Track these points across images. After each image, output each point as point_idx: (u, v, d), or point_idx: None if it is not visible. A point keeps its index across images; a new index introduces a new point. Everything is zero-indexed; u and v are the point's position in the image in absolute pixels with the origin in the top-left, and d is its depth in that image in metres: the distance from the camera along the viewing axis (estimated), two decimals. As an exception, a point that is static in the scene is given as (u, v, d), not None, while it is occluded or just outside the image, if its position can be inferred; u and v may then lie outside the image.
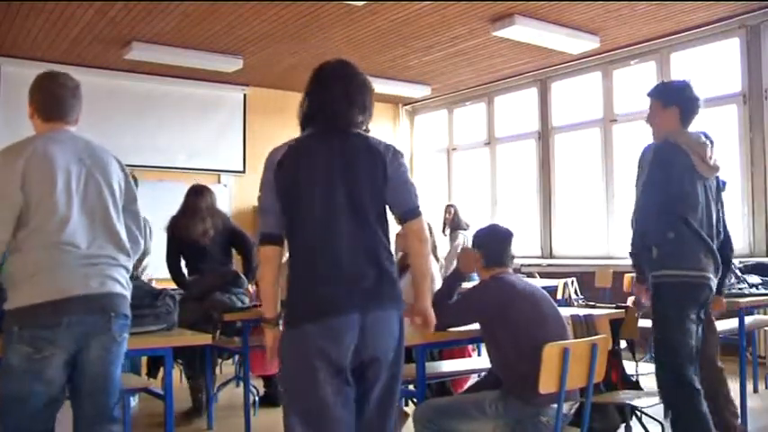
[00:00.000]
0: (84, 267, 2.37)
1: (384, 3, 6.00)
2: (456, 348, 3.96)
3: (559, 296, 6.25)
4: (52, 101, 2.53)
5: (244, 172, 8.88)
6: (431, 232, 4.52)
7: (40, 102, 2.54)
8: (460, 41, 7.21)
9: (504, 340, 2.81)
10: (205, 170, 8.68)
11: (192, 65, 7.56)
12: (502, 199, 9.10)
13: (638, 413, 3.46)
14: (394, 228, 2.45)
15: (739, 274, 4.14)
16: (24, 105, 2.57)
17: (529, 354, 2.60)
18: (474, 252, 3.08)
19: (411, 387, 3.26)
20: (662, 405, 3.67)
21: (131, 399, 4.29)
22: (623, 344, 3.76)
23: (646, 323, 3.95)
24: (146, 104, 8.32)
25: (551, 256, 8.36)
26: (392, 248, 2.43)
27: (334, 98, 2.37)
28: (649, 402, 3.25)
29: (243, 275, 4.80)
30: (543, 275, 7.57)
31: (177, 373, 5.09)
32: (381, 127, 9.58)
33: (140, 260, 4.26)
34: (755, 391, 5.01)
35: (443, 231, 8.10)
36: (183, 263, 4.89)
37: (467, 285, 3.43)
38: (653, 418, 3.72)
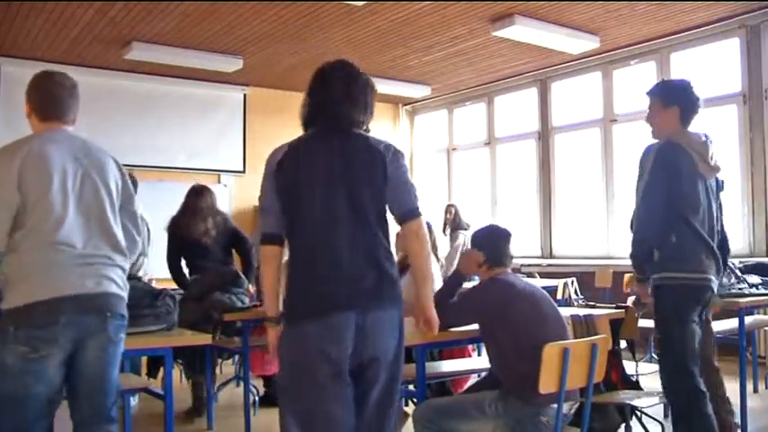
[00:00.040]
0: (79, 267, 2.36)
1: (384, 3, 6.00)
2: (456, 348, 3.96)
3: (559, 296, 6.25)
4: (49, 100, 2.52)
5: (244, 172, 8.88)
6: (431, 232, 4.53)
7: (37, 101, 2.53)
8: (460, 41, 7.21)
9: (503, 340, 2.81)
10: (205, 170, 8.68)
11: (192, 65, 7.56)
12: (502, 199, 9.10)
13: (638, 413, 3.46)
14: (395, 228, 2.44)
15: (739, 274, 4.14)
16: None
17: (529, 354, 2.60)
18: (477, 253, 3.07)
19: (411, 387, 3.26)
20: (662, 405, 3.67)
21: (131, 399, 4.29)
22: (623, 344, 3.77)
23: (646, 323, 3.95)
24: (146, 104, 8.32)
25: (551, 256, 8.36)
26: (393, 249, 2.43)
27: (335, 98, 2.37)
28: (649, 402, 3.25)
29: (243, 275, 4.81)
30: (543, 275, 7.57)
31: (177, 373, 5.10)
32: (381, 127, 9.58)
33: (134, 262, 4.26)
34: (755, 391, 5.02)
35: (444, 231, 8.10)
36: (183, 262, 4.90)
37: (467, 285, 3.42)
38: (653, 418, 3.73)
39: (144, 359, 4.79)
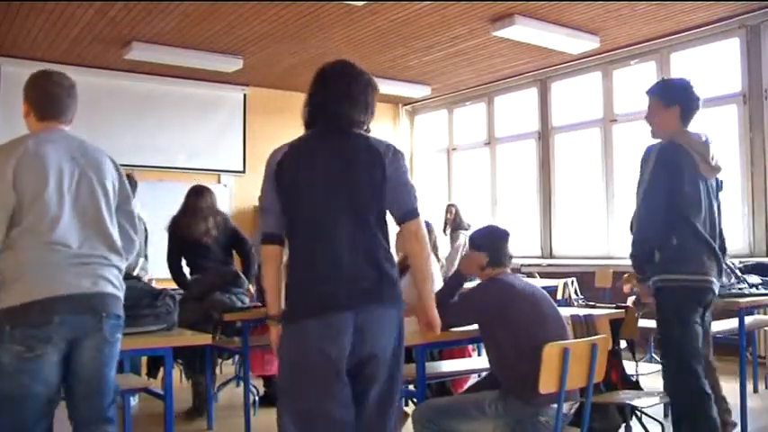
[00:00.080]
0: (74, 267, 2.35)
1: (384, 3, 6.00)
2: (456, 348, 3.96)
3: (559, 296, 6.25)
4: (47, 99, 2.52)
5: (244, 172, 8.87)
6: (431, 232, 4.53)
7: (34, 100, 2.53)
8: (460, 41, 7.21)
9: (503, 340, 2.81)
10: (205, 170, 8.68)
11: (192, 65, 7.56)
12: (502, 199, 9.10)
13: (638, 413, 3.46)
14: (395, 228, 2.44)
15: (739, 274, 4.14)
16: (24, 105, 2.57)
17: (529, 354, 2.60)
18: (479, 255, 3.05)
19: (411, 387, 3.26)
20: (662, 405, 3.67)
21: (131, 399, 4.29)
22: (623, 344, 3.76)
23: (646, 323, 3.95)
24: (146, 104, 8.32)
25: (551, 256, 8.36)
26: (393, 249, 2.43)
27: (336, 98, 2.38)
28: (649, 402, 3.25)
29: (243, 275, 4.82)
30: (543, 275, 7.57)
31: (177, 373, 5.10)
32: (381, 127, 9.57)
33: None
34: (755, 391, 5.02)
35: (444, 231, 8.10)
36: (184, 262, 4.90)
37: (467, 285, 3.42)
38: (653, 418, 3.73)
39: (144, 359, 4.79)
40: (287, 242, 2.41)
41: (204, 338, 3.19)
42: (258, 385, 5.00)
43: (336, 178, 2.30)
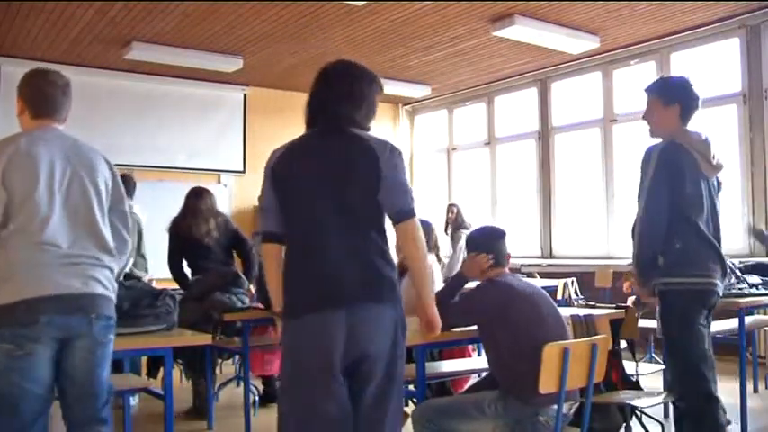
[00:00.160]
0: (64, 267, 2.34)
1: (384, 3, 6.00)
2: (456, 348, 3.96)
3: (559, 296, 6.25)
4: (41, 98, 2.51)
5: (244, 172, 8.87)
6: (432, 231, 4.52)
7: (29, 98, 2.52)
8: (460, 41, 7.21)
9: (503, 341, 2.80)
10: (205, 170, 8.69)
11: (192, 65, 7.56)
12: (502, 199, 9.10)
13: (638, 413, 3.46)
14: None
15: (739, 274, 4.13)
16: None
17: (528, 354, 2.60)
18: (483, 256, 3.04)
19: (411, 387, 3.26)
20: (662, 405, 3.66)
21: (131, 399, 4.29)
22: (623, 344, 3.76)
23: (646, 323, 3.95)
24: (146, 104, 8.32)
25: (551, 256, 8.36)
26: (392, 248, 2.42)
27: (334, 98, 2.38)
28: (649, 402, 3.24)
29: (243, 276, 4.82)
30: (543, 275, 7.56)
31: (177, 373, 5.10)
32: (381, 127, 9.57)
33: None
34: (755, 391, 5.02)
35: (446, 231, 8.11)
36: (185, 263, 4.91)
37: (466, 286, 3.42)
38: (653, 418, 3.73)
39: (144, 359, 4.80)
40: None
41: (204, 338, 3.19)
42: (258, 385, 5.00)
43: (332, 178, 2.30)
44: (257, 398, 4.83)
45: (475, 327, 2.96)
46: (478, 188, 9.33)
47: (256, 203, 2.26)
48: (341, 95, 2.38)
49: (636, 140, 6.49)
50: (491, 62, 8.04)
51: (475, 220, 8.04)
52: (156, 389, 3.53)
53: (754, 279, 4.18)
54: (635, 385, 3.49)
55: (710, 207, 3.12)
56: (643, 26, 6.77)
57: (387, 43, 7.22)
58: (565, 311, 3.41)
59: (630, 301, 3.88)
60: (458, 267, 3.83)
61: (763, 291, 4.07)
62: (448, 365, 3.90)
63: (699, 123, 3.24)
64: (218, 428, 4.46)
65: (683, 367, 3.06)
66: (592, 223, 7.96)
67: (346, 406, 2.27)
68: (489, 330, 2.88)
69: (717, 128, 6.16)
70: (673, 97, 3.15)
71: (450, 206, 8.30)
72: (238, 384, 5.27)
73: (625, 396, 3.25)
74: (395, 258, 2.42)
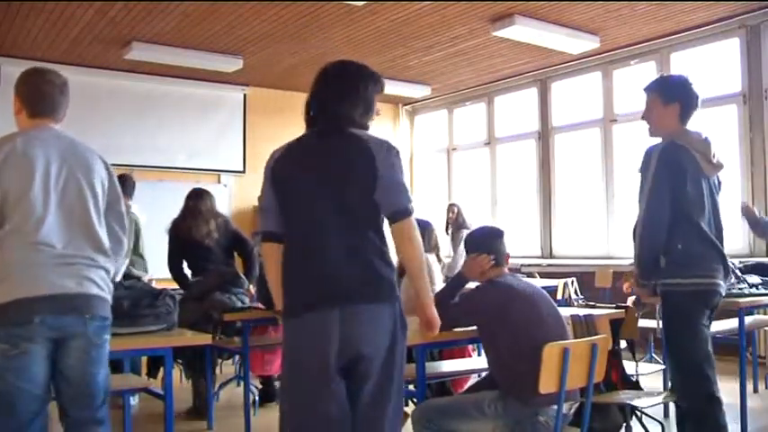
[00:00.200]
0: (59, 267, 2.34)
1: (384, 3, 6.00)
2: (456, 348, 3.96)
3: (559, 296, 6.25)
4: (39, 97, 2.50)
5: (244, 172, 8.87)
6: (432, 231, 4.52)
7: (26, 97, 2.51)
8: (460, 41, 7.21)
9: (503, 341, 2.80)
10: (205, 170, 8.69)
11: (192, 65, 7.56)
12: (502, 199, 9.10)
13: (638, 413, 3.46)
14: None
15: (739, 274, 4.13)
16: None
17: (528, 354, 2.60)
18: (485, 257, 3.03)
19: (411, 387, 3.26)
20: (662, 405, 3.66)
21: (131, 399, 4.29)
22: (623, 344, 3.76)
23: (646, 323, 3.94)
24: (146, 104, 8.32)
25: (551, 256, 8.36)
26: (392, 248, 2.42)
27: (334, 98, 2.38)
28: (649, 402, 3.24)
29: (243, 276, 4.83)
30: (543, 275, 7.56)
31: (177, 373, 5.10)
32: (381, 127, 9.57)
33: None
34: (755, 391, 5.02)
35: (447, 231, 8.11)
36: (186, 264, 4.92)
37: (467, 286, 3.41)
38: (653, 418, 3.73)
39: (144, 359, 4.80)
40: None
41: (204, 338, 3.20)
42: (258, 385, 5.00)
43: (329, 178, 2.31)
44: (257, 398, 4.83)
45: (475, 327, 2.96)
46: (478, 188, 9.33)
47: (256, 203, 2.26)
48: (340, 95, 2.38)
49: (636, 140, 6.49)
50: (491, 62, 8.04)
51: (475, 220, 8.04)
52: (156, 389, 3.53)
53: (754, 279, 4.18)
54: (635, 385, 3.49)
55: (712, 206, 3.11)
56: (643, 26, 6.77)
57: (387, 43, 7.22)
58: (565, 311, 3.41)
59: (630, 301, 3.88)
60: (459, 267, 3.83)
61: (763, 291, 4.07)
62: (448, 365, 3.90)
63: (699, 123, 3.22)
64: (218, 428, 4.46)
65: (685, 368, 3.05)
66: (592, 223, 7.96)
67: (345, 405, 2.27)
68: (489, 330, 2.88)
69: (717, 128, 6.16)
70: (672, 96, 3.13)
71: (451, 206, 8.31)
72: (238, 384, 5.27)
73: (625, 396, 3.25)
74: (394, 259, 2.41)
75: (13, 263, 2.31)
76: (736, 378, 3.92)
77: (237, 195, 8.79)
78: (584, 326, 3.31)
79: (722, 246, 3.11)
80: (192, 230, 4.77)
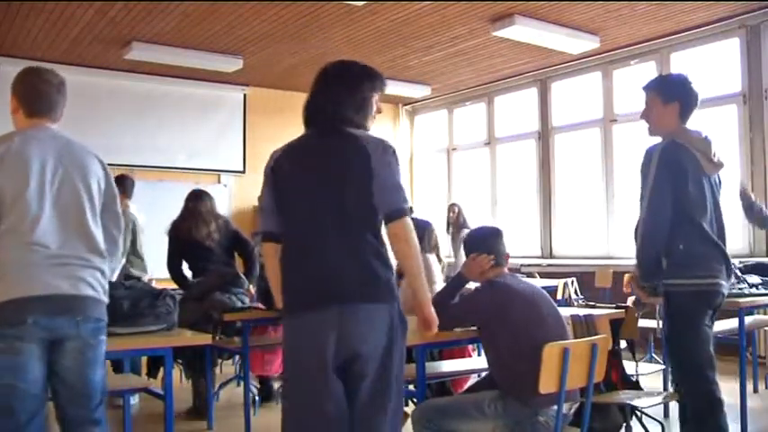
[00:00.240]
0: (53, 267, 2.33)
1: (384, 3, 6.00)
2: (456, 348, 3.96)
3: (559, 296, 6.25)
4: (36, 96, 2.49)
5: (244, 172, 8.88)
6: (432, 231, 4.52)
7: (23, 96, 2.50)
8: (460, 41, 7.21)
9: (502, 341, 2.80)
10: (205, 170, 8.69)
11: (192, 65, 7.56)
12: (502, 199, 9.10)
13: (638, 413, 3.46)
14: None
15: (739, 274, 4.13)
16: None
17: (528, 354, 2.60)
18: (485, 257, 3.03)
19: (411, 387, 3.26)
20: (662, 405, 3.65)
21: (131, 399, 4.29)
22: (623, 344, 3.76)
23: (646, 323, 3.94)
24: (146, 104, 8.33)
25: (551, 256, 8.36)
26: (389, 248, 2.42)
27: (331, 98, 2.39)
28: (649, 402, 3.24)
29: (243, 276, 4.83)
30: (543, 275, 7.56)
31: (177, 373, 5.10)
32: (381, 127, 9.57)
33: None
34: (755, 391, 5.01)
35: (447, 230, 8.10)
36: (186, 265, 4.92)
37: (466, 286, 3.41)
38: (653, 418, 3.73)
39: (144, 359, 4.80)
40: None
41: (204, 338, 3.19)
42: (257, 385, 5.00)
43: (326, 178, 2.31)
44: (257, 398, 4.83)
45: (475, 327, 2.96)
46: (478, 188, 9.33)
47: (256, 203, 2.26)
48: (339, 96, 2.38)
49: (636, 140, 6.49)
50: (491, 62, 8.04)
51: (475, 220, 8.04)
52: (156, 389, 3.53)
53: (754, 279, 4.18)
54: (635, 385, 3.49)
55: (713, 206, 3.10)
56: (643, 26, 6.77)
57: (387, 43, 7.23)
58: (565, 311, 3.41)
59: (630, 301, 3.88)
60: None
61: (763, 291, 4.07)
62: (448, 365, 3.90)
63: (699, 123, 3.21)
64: (218, 428, 4.46)
65: (687, 369, 3.04)
66: (592, 223, 7.96)
67: (342, 404, 2.28)
68: (489, 330, 2.88)
69: (717, 128, 6.15)
70: (672, 95, 3.12)
71: (452, 206, 8.31)
72: (238, 384, 5.27)
73: (625, 396, 3.25)
74: (393, 260, 2.41)
75: (9, 263, 2.31)
76: (736, 378, 3.92)
77: (237, 195, 8.80)
78: (584, 326, 3.31)
79: (725, 245, 3.09)
80: (192, 231, 4.77)
